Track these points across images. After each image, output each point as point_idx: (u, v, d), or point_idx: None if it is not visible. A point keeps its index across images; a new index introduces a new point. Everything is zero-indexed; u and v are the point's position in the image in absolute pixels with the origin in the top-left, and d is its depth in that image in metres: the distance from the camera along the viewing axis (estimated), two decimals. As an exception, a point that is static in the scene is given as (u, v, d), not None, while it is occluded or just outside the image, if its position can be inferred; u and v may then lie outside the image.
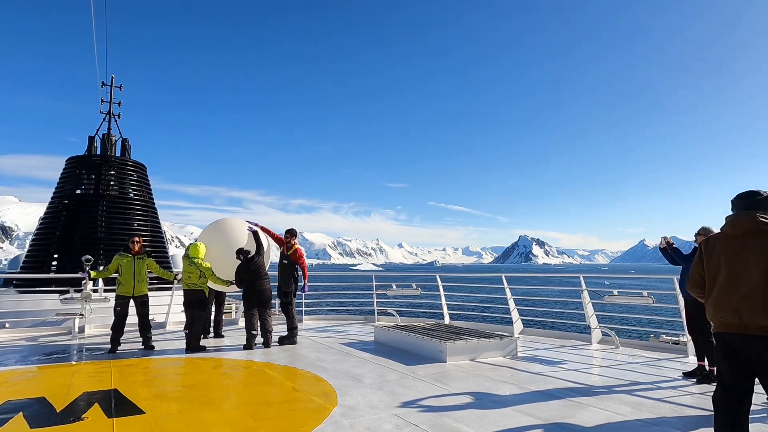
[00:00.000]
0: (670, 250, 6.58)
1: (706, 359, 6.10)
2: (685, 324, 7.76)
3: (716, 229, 6.40)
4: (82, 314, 9.10)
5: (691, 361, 7.22)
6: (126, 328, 8.07)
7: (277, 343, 8.36)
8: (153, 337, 8.24)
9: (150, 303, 8.34)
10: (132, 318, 8.11)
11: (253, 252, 8.37)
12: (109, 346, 7.79)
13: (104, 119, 15.72)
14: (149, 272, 8.41)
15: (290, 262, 8.77)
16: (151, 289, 8.48)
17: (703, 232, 6.38)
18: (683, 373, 6.27)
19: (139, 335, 8.17)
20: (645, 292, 8.13)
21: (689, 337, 7.70)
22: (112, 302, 8.16)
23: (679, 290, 7.78)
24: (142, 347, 7.98)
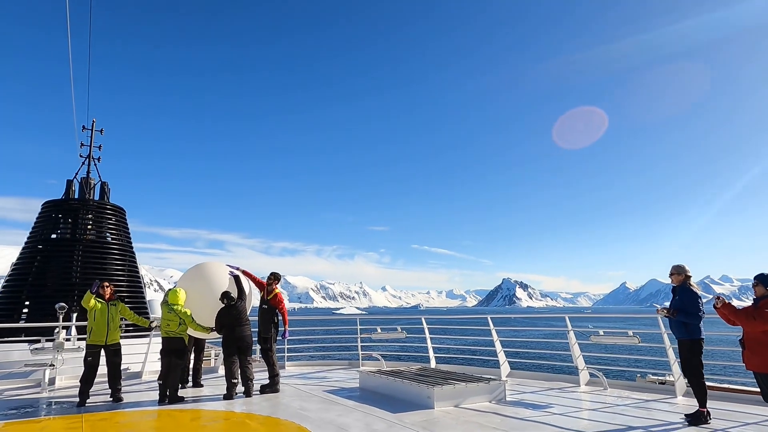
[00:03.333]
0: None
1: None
2: (672, 363, 7.75)
3: (689, 268, 6.51)
4: (53, 365, 8.68)
5: (680, 402, 7.16)
6: (97, 379, 7.68)
7: (258, 392, 8.04)
8: (128, 388, 7.86)
9: (124, 351, 8.01)
10: (103, 368, 7.73)
11: (236, 297, 8.18)
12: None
13: (83, 163, 15.56)
14: (123, 319, 8.11)
15: (270, 307, 8.57)
16: (125, 337, 8.15)
17: (675, 271, 6.47)
18: (685, 416, 6.11)
19: (108, 386, 7.77)
20: (631, 332, 8.14)
21: (676, 377, 7.68)
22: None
23: (663, 329, 7.81)
24: (111, 399, 7.59)
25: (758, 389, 5.46)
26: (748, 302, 5.71)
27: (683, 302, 6.23)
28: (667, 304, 6.59)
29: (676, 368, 7.67)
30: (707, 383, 6.17)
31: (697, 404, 6.06)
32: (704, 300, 6.33)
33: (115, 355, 7.82)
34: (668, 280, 6.73)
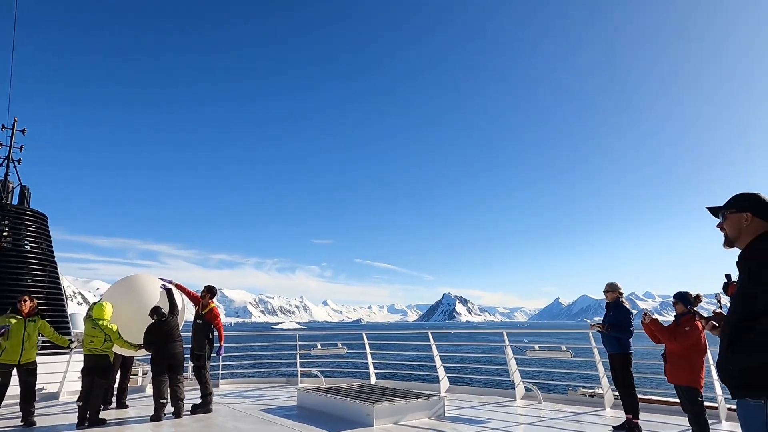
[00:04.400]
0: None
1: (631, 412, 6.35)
2: (601, 376, 8.10)
3: (622, 286, 6.88)
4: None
5: (608, 414, 7.48)
6: (7, 401, 6.98)
7: (189, 413, 7.61)
8: (42, 411, 7.19)
9: (40, 371, 7.35)
10: (14, 389, 7.04)
11: (167, 312, 7.73)
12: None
13: (1, 164, 14.37)
14: (41, 336, 7.46)
15: (204, 321, 8.20)
16: (43, 354, 7.49)
17: (609, 288, 6.82)
18: (613, 428, 6.40)
19: (19, 409, 7.08)
20: (564, 347, 8.46)
21: (605, 390, 8.04)
22: None
23: (594, 344, 8.18)
24: (21, 423, 6.92)
25: (678, 400, 5.80)
26: (669, 317, 6.09)
27: (617, 317, 6.57)
28: (597, 319, 6.91)
29: (605, 381, 8.03)
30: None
31: (624, 416, 6.38)
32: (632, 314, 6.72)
33: (29, 374, 7.15)
34: (597, 296, 7.10)
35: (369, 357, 10.76)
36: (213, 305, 8.45)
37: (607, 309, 6.87)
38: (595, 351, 8.20)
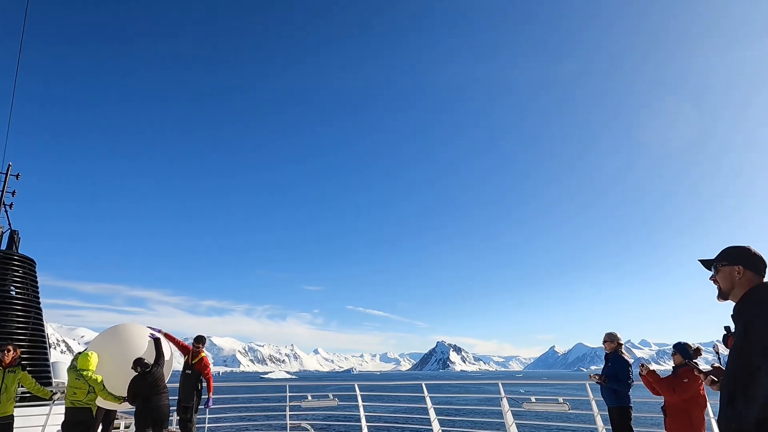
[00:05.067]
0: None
1: None
2: (599, 431, 7.86)
3: (620, 335, 6.80)
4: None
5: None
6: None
7: (172, 469, 7.27)
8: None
9: (18, 424, 7.03)
10: None
11: (151, 363, 7.49)
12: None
13: (-6, 209, 14.32)
14: (21, 387, 7.19)
15: (194, 372, 7.98)
16: (21, 406, 7.18)
17: (608, 339, 6.73)
18: None
19: None
20: (561, 398, 8.25)
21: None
22: None
23: (592, 396, 7.99)
24: None
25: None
26: (666, 366, 6.01)
27: (615, 369, 6.44)
28: (594, 368, 6.79)
29: (604, 435, 7.79)
30: None
31: None
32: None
33: (5, 429, 6.83)
34: (593, 344, 7.02)
35: (361, 409, 10.43)
36: (203, 354, 8.26)
37: (605, 360, 6.76)
38: (593, 403, 8.01)
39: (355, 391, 10.63)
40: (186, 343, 8.41)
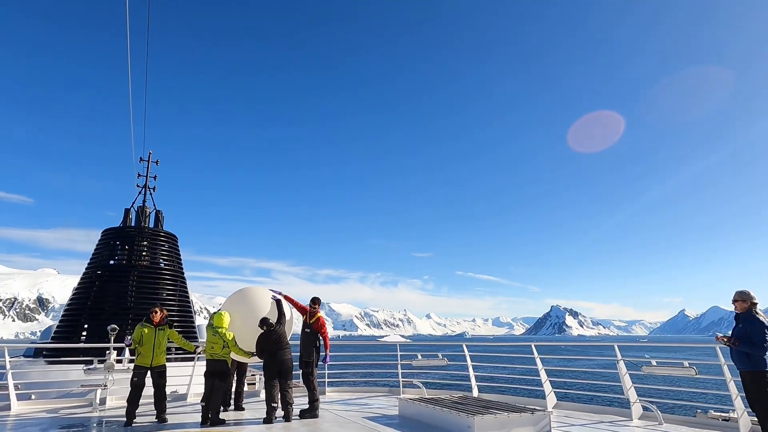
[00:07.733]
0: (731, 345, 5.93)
1: None
2: (734, 398, 7.19)
3: (754, 294, 6.11)
4: (105, 385, 9.04)
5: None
6: (143, 400, 7.94)
7: (297, 417, 8.07)
8: (173, 410, 8.07)
9: (171, 374, 8.25)
10: (149, 389, 8.00)
11: (274, 322, 8.30)
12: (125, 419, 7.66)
13: (140, 192, 16.51)
14: (171, 342, 8.37)
15: (312, 330, 8.65)
16: (174, 360, 8.40)
17: (739, 297, 6.08)
18: None
19: (153, 407, 8.02)
20: (686, 362, 7.66)
21: (740, 413, 7.12)
22: None
23: (723, 360, 7.30)
24: (156, 420, 7.82)
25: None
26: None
27: (747, 331, 5.85)
28: (730, 332, 6.19)
29: (739, 403, 7.12)
30: None
31: None
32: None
33: (159, 377, 8.07)
34: (732, 308, 6.34)
35: (470, 369, 10.60)
36: (320, 314, 8.90)
37: (736, 320, 6.15)
38: (725, 368, 7.31)
39: (464, 351, 10.81)
40: (304, 305, 9.10)
